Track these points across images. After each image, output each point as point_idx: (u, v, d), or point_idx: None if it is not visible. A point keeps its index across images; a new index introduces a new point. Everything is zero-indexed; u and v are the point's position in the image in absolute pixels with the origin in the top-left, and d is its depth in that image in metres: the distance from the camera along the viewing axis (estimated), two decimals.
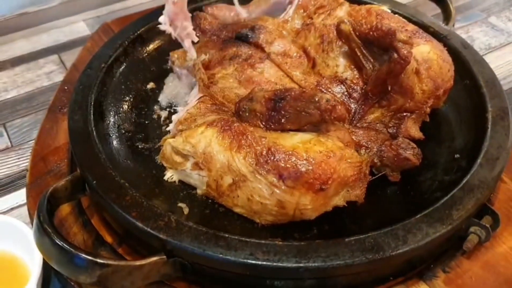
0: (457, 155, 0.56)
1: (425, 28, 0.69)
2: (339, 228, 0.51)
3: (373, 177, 0.55)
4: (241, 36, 0.65)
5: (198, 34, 0.65)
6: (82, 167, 0.53)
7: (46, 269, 0.52)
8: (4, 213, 0.62)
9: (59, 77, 0.81)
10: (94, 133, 0.56)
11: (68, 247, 0.44)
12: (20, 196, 0.63)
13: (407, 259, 0.48)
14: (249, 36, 0.64)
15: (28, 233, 0.52)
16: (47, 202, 0.48)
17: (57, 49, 0.89)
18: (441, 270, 0.50)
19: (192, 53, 0.63)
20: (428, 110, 0.56)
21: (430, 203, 0.49)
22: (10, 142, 0.71)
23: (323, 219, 0.51)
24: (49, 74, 0.83)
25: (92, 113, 0.59)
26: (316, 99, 0.48)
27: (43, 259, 0.50)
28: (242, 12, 0.71)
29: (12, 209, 0.63)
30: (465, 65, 0.64)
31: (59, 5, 1.00)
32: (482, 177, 0.51)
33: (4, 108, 0.77)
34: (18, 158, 0.68)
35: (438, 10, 0.79)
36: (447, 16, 0.75)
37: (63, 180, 0.52)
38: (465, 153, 0.56)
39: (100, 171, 0.52)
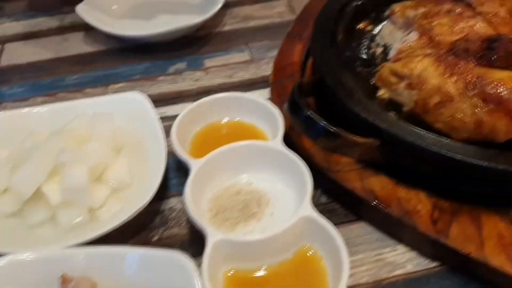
0: None
1: None
2: None
3: None
4: None
5: None
6: (321, 73, 0.70)
7: None
8: None
9: (288, 17, 1.00)
10: (329, 51, 0.73)
11: (313, 116, 0.61)
12: (256, 94, 0.83)
13: None
14: None
15: (274, 111, 0.71)
16: (298, 86, 0.66)
17: None
18: None
19: None
20: None
21: None
22: (252, 56, 0.91)
23: (508, 145, 0.60)
24: (280, 13, 1.02)
25: (328, 39, 0.76)
26: None
27: None
28: None
29: None
30: None
31: None
32: None
33: (247, 32, 0.98)
34: (257, 68, 0.88)
35: None
36: None
37: (308, 79, 0.70)
38: None
39: (335, 77, 0.68)
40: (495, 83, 0.59)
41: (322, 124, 0.61)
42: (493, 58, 0.62)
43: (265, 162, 0.65)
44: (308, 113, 0.62)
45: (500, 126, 0.59)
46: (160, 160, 0.65)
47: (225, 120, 0.74)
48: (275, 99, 0.75)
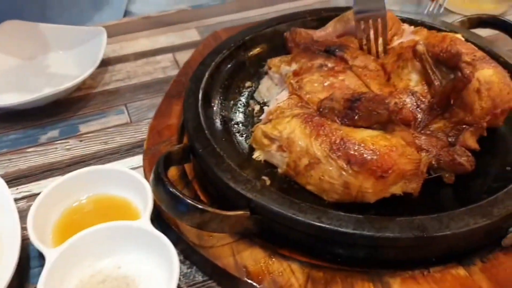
0: (508, 168, 0.64)
1: (496, 58, 0.77)
2: (393, 212, 0.60)
3: (430, 176, 0.63)
4: (329, 50, 0.76)
5: (291, 45, 0.79)
6: (191, 140, 0.67)
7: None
8: None
9: (172, 72, 0.97)
10: (202, 114, 0.70)
11: (177, 193, 0.57)
12: (134, 160, 0.78)
13: (448, 245, 0.56)
14: (336, 50, 0.76)
15: (144, 183, 0.66)
16: (164, 160, 0.62)
17: (172, 49, 1.05)
18: (479, 259, 0.57)
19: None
20: (485, 125, 0.65)
21: (476, 202, 0.58)
22: (130, 119, 0.87)
23: (381, 203, 0.60)
24: (164, 69, 0.99)
25: (201, 99, 0.73)
26: (386, 101, 0.59)
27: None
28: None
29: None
30: None
31: (176, 13, 1.17)
32: None
33: (127, 91, 0.93)
34: (136, 132, 0.84)
35: None
36: None
37: (177, 147, 0.66)
38: None
39: (205, 143, 0.65)
40: (358, 144, 0.58)
41: (187, 201, 0.57)
42: (355, 118, 0.61)
43: (131, 243, 0.60)
44: (171, 189, 0.58)
45: (367, 187, 0.59)
46: (14, 250, 0.59)
47: (92, 196, 0.68)
48: (147, 168, 0.71)
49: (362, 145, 0.58)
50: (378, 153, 0.58)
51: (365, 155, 0.58)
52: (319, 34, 0.85)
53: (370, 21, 0.76)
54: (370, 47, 0.77)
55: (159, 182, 0.59)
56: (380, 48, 0.77)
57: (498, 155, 0.67)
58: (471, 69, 0.60)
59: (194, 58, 0.92)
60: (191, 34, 1.10)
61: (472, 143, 0.64)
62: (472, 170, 0.62)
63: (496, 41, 1.02)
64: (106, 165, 0.69)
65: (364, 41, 0.78)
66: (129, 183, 0.68)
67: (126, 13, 1.29)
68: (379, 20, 0.76)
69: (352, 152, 0.58)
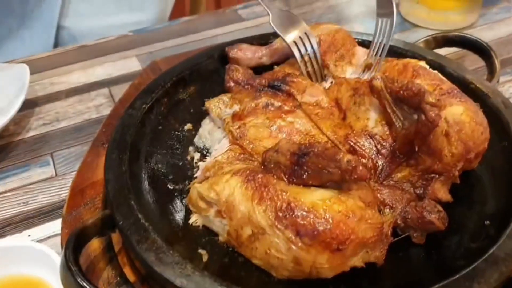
0: (487, 222, 0.55)
1: (466, 84, 0.68)
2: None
3: (396, 238, 0.54)
4: (274, 85, 0.66)
5: (230, 85, 0.68)
6: (111, 207, 0.55)
7: None
8: (41, 241, 0.65)
9: (107, 110, 0.85)
10: (128, 173, 0.59)
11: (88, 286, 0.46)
12: (59, 225, 0.67)
13: None
14: (281, 85, 0.66)
15: (57, 261, 0.55)
16: (75, 239, 0.51)
17: (109, 82, 0.94)
18: None
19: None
20: (457, 173, 0.55)
21: (453, 271, 0.48)
22: (55, 171, 0.75)
23: (340, 278, 0.50)
24: (98, 107, 0.88)
25: (128, 153, 0.62)
26: (338, 158, 0.48)
27: None
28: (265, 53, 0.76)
29: (49, 237, 0.66)
30: (505, 126, 0.62)
31: (116, 39, 1.06)
32: (509, 249, 0.49)
33: (54, 137, 0.82)
34: (61, 188, 0.72)
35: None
36: (491, 71, 0.73)
37: (94, 218, 0.55)
38: (495, 220, 0.54)
39: (127, 212, 0.54)
40: (307, 210, 0.48)
41: None
42: (304, 176, 0.51)
43: None
44: (81, 281, 0.47)
45: (322, 262, 0.48)
46: None
47: (2, 279, 0.57)
48: (65, 238, 0.59)
49: (313, 211, 0.48)
50: (331, 221, 0.48)
51: (316, 225, 0.47)
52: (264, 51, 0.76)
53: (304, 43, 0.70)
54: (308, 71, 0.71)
55: (67, 271, 0.48)
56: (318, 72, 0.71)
57: (475, 205, 0.57)
58: (437, 110, 0.51)
59: (129, 95, 0.81)
60: (131, 64, 0.99)
61: (443, 194, 0.55)
62: (445, 228, 0.53)
63: (464, 57, 0.94)
64: (15, 240, 0.58)
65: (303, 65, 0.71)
66: (44, 259, 0.56)
67: (59, 28, 1.17)
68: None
69: (301, 221, 0.48)
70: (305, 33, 0.72)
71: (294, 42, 0.71)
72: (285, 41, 0.71)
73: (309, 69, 0.71)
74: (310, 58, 0.71)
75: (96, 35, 1.07)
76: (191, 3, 1.57)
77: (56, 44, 1.18)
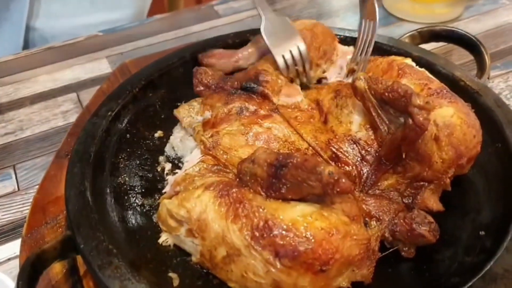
0: (482, 232, 0.50)
1: (455, 82, 0.64)
2: None
3: (384, 253, 0.49)
4: (247, 87, 0.61)
5: (200, 89, 0.63)
6: (72, 228, 0.50)
7: None
8: (1, 263, 0.60)
9: (74, 117, 0.80)
10: (90, 190, 0.53)
11: None
12: (18, 245, 0.61)
13: None
14: (255, 86, 0.61)
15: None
16: (30, 268, 0.45)
17: (77, 87, 0.88)
18: None
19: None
20: (449, 180, 0.51)
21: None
22: (18, 185, 0.70)
23: None
24: (65, 114, 0.82)
25: (92, 166, 0.56)
26: (318, 170, 0.44)
27: None
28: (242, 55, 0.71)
29: (9, 259, 0.61)
30: (497, 126, 0.58)
31: (85, 40, 1.00)
32: (507, 264, 0.44)
33: (17, 148, 0.76)
34: (23, 204, 0.67)
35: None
36: (481, 66, 0.69)
37: (53, 241, 0.49)
38: (491, 230, 0.50)
39: (89, 233, 0.49)
40: (287, 228, 0.44)
41: None
42: (282, 190, 0.46)
43: None
44: None
45: (304, 285, 0.44)
46: None
47: None
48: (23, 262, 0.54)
49: (293, 229, 0.43)
50: (313, 240, 0.43)
51: (297, 245, 0.43)
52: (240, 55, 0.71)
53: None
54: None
55: None
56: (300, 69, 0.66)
57: (468, 214, 0.53)
58: (425, 114, 0.46)
59: (96, 101, 0.75)
60: (101, 66, 0.93)
61: (434, 204, 0.51)
62: (437, 240, 0.49)
63: (451, 51, 0.90)
64: None
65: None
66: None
67: (28, 29, 1.10)
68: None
69: (279, 241, 0.43)
70: (297, 47, 0.66)
71: (283, 56, 0.65)
72: (273, 56, 0.65)
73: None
74: (298, 73, 0.66)
75: (70, 36, 1.01)
76: (169, 0, 1.51)
77: (26, 47, 1.11)
